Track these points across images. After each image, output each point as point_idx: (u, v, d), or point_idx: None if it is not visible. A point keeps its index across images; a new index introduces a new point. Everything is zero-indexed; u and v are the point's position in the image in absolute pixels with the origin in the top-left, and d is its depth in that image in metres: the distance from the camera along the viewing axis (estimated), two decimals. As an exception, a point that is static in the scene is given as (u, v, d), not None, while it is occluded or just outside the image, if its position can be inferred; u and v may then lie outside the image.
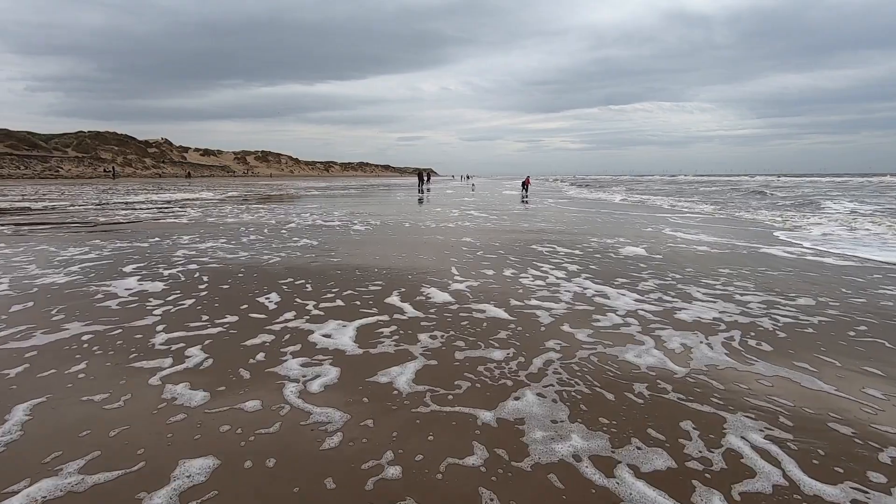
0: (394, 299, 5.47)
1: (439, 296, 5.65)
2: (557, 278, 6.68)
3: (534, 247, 9.42)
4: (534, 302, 5.44)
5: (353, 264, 7.44)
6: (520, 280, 6.55)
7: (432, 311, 5.08)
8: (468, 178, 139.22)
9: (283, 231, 11.59)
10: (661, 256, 8.41)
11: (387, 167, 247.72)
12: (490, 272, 7.02)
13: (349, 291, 5.81)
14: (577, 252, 8.85)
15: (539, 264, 7.61)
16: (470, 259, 7.99)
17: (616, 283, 6.44)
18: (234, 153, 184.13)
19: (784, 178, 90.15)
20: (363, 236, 10.66)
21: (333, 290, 5.84)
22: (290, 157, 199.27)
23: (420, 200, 26.63)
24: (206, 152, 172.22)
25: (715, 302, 5.44)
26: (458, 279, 6.55)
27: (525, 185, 40.30)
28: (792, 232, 12.35)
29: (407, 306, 5.20)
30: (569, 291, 5.92)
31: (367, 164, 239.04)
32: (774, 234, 12.02)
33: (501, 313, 4.99)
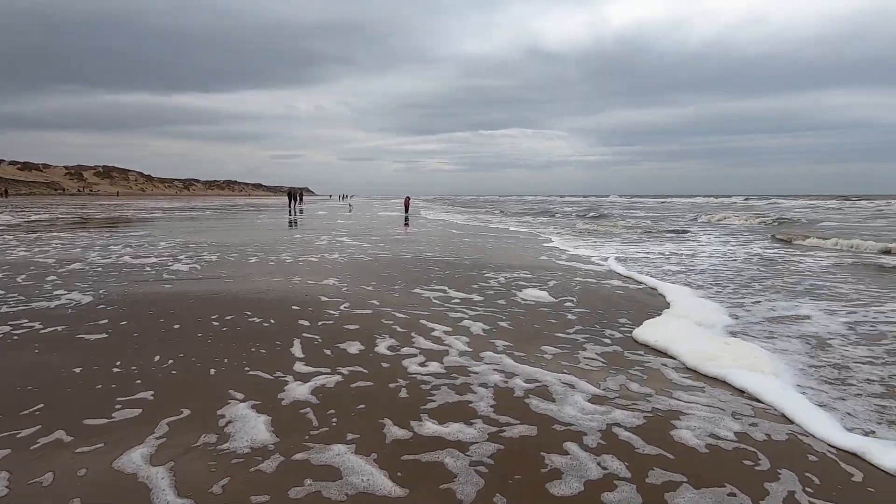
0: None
1: (249, 432, 2.95)
2: (460, 352, 4.40)
3: (420, 291, 7.11)
4: (431, 426, 3.03)
5: (103, 354, 4.38)
6: (403, 363, 4.13)
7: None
8: (346, 197, 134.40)
9: (54, 277, 7.80)
10: (574, 300, 6.64)
11: (258, 186, 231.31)
12: (355, 348, 4.50)
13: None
14: (475, 297, 6.73)
15: (430, 325, 5.28)
16: (328, 323, 5.38)
17: (546, 354, 4.35)
18: (67, 168, 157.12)
19: (624, 199, 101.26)
20: (174, 285, 7.41)
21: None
22: (141, 174, 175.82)
23: (290, 223, 23.07)
24: (27, 166, 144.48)
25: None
26: (303, 371, 3.93)
27: (406, 205, 38.47)
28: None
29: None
30: (486, 386, 3.65)
31: (236, 182, 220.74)
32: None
33: (382, 480, 2.49)
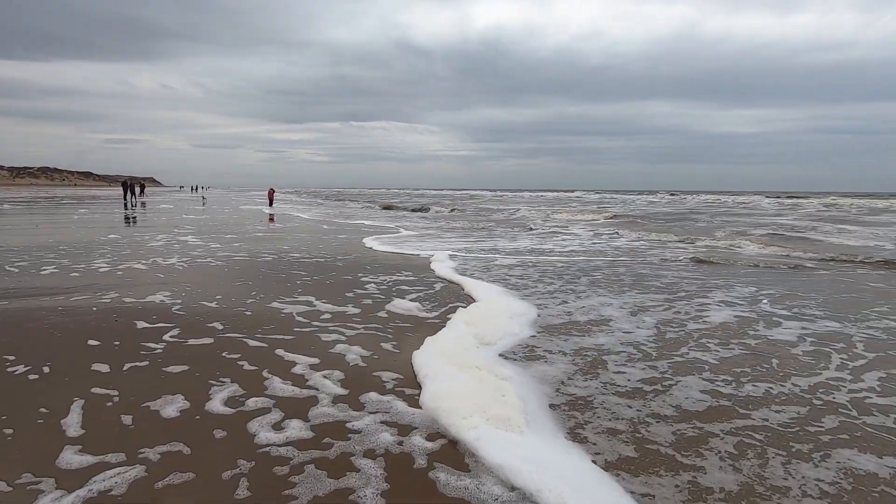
0: None
1: None
2: (333, 399, 3.23)
3: (279, 305, 5.71)
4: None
5: None
6: (249, 427, 2.84)
7: None
8: (202, 188, 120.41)
9: None
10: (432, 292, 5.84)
11: (88, 174, 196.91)
12: (175, 408, 3.06)
13: None
14: (350, 311, 5.55)
15: (291, 356, 3.99)
16: (137, 366, 3.78)
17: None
18: None
19: (489, 192, 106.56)
20: None
21: None
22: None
23: (123, 219, 19.08)
24: None
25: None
26: (73, 465, 2.44)
27: (270, 198, 35.12)
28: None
29: None
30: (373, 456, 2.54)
31: (56, 169, 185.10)
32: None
33: None
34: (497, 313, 5.48)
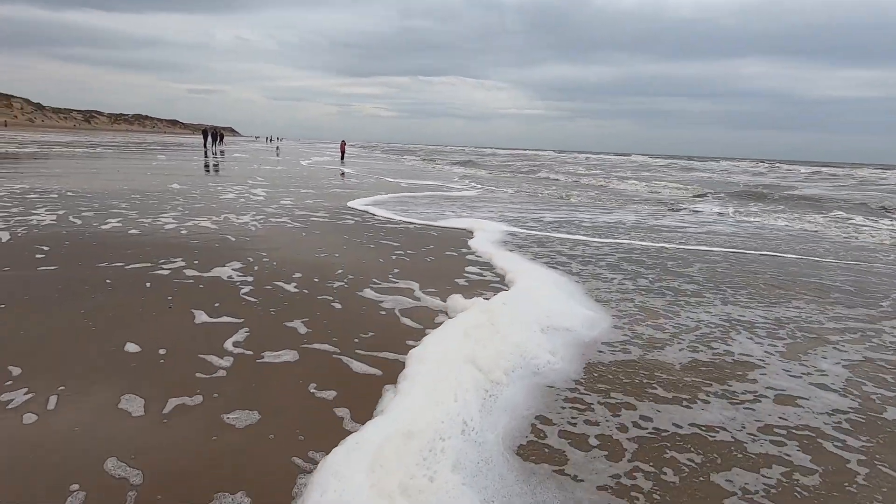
0: None
1: None
2: None
3: (374, 296, 4.28)
4: None
5: None
6: None
7: None
8: (277, 139, 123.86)
9: None
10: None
11: (174, 123, 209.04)
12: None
13: None
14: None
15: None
16: (180, 421, 2.46)
17: None
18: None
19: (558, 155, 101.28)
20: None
21: None
22: (28, 102, 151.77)
23: (199, 167, 18.76)
24: None
25: None
26: None
27: (342, 150, 34.36)
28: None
29: None
30: None
31: (148, 117, 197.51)
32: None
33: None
34: (526, 317, 3.74)
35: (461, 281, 4.96)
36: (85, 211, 7.48)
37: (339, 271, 5.01)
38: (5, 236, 5.57)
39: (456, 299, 4.20)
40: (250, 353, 3.02)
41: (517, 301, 4.21)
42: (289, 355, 3.01)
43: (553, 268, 5.70)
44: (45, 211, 7.27)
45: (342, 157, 33.38)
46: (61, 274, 4.38)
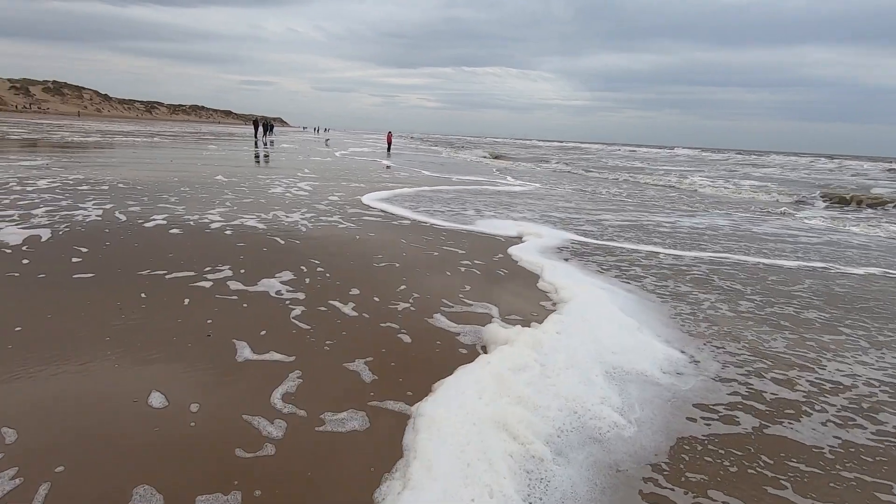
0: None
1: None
2: None
3: (449, 325, 3.52)
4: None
5: None
6: None
7: None
8: (324, 130, 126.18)
9: None
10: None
11: (228, 113, 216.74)
12: None
13: None
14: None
15: None
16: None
17: None
18: (11, 81, 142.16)
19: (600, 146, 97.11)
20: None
21: None
22: (97, 93, 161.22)
23: (249, 158, 18.67)
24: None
25: None
26: None
27: (388, 141, 33.97)
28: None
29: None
30: None
31: (203, 107, 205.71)
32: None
33: None
34: (584, 355, 2.94)
35: (511, 298, 4.13)
36: (132, 205, 7.12)
37: (402, 287, 4.29)
38: (46, 234, 5.19)
39: (493, 330, 3.39)
40: (304, 413, 2.32)
41: (573, 331, 3.39)
42: (355, 420, 2.30)
43: (621, 284, 4.78)
44: (93, 205, 6.95)
45: (388, 149, 32.97)
46: (96, 284, 3.87)
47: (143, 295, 3.67)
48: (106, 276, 4.04)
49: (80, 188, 8.39)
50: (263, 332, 3.15)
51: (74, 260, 4.40)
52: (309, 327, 3.29)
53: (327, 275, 4.49)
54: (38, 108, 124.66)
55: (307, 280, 4.29)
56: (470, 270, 4.98)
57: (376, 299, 3.94)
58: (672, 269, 5.54)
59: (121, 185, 8.98)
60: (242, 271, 4.40)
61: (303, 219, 7.04)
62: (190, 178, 10.90)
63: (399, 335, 3.28)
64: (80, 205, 6.91)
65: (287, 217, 7.07)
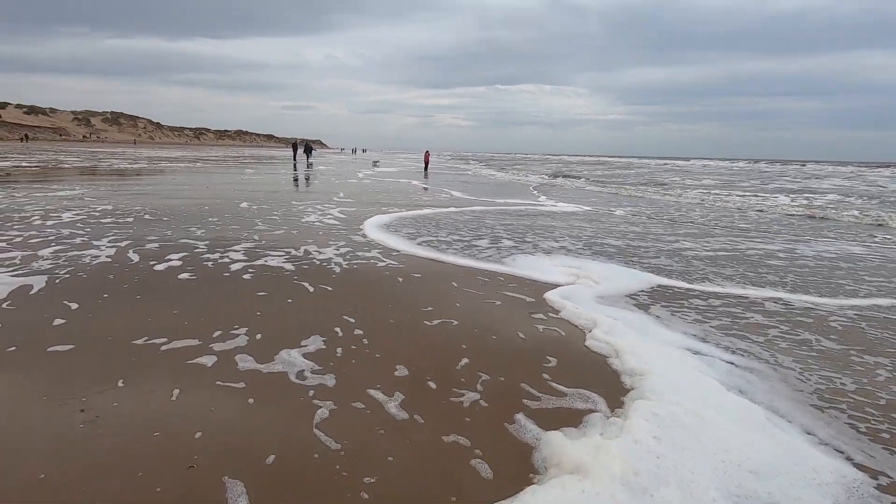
0: None
1: None
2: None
3: (531, 442, 2.39)
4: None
5: None
6: None
7: None
8: (362, 151, 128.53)
9: None
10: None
11: (270, 137, 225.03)
12: None
13: None
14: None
15: None
16: None
17: None
18: (74, 113, 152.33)
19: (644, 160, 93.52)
20: None
21: None
22: (150, 122, 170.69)
23: (286, 181, 18.24)
24: (33, 110, 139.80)
25: None
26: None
27: (426, 161, 33.33)
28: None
29: None
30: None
31: (247, 132, 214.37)
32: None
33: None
34: (700, 482, 1.96)
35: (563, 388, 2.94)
36: (151, 240, 6.39)
37: (465, 361, 3.20)
38: (40, 284, 4.41)
39: (554, 441, 2.25)
40: None
41: (678, 434, 2.23)
42: None
43: (728, 345, 3.52)
44: (108, 242, 6.25)
45: (426, 168, 32.33)
46: (67, 364, 2.97)
47: (120, 383, 2.72)
48: (86, 350, 3.15)
49: (103, 221, 7.80)
50: (271, 460, 2.12)
51: (57, 323, 3.55)
52: (338, 447, 2.24)
53: (365, 340, 3.46)
54: (98, 137, 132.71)
55: (339, 351, 3.27)
56: (548, 330, 3.85)
57: (431, 385, 2.87)
58: (806, 321, 4.22)
59: (147, 217, 8.37)
60: (259, 336, 3.44)
61: (337, 254, 6.10)
62: (221, 205, 10.27)
63: (474, 462, 2.18)
64: (96, 242, 6.22)
65: (319, 253, 6.15)
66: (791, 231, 10.12)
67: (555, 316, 4.19)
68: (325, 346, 3.33)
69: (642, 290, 5.07)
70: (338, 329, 3.65)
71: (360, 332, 3.63)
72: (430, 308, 4.24)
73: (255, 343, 3.34)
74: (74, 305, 3.90)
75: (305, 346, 3.33)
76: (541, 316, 4.18)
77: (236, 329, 3.55)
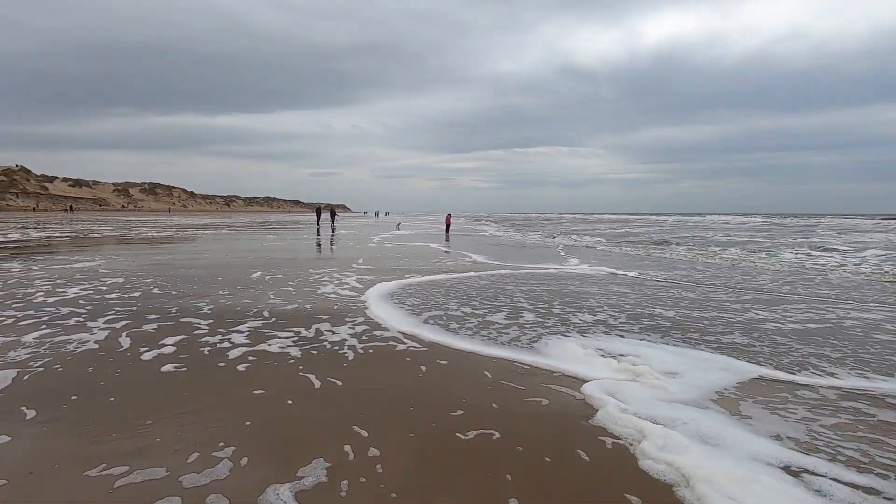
0: None
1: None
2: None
3: None
4: None
5: None
6: None
7: None
8: (385, 214, 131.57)
9: None
10: None
11: (296, 202, 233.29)
12: None
13: None
14: None
15: None
16: None
17: None
18: (115, 184, 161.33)
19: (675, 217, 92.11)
20: None
21: None
22: (184, 191, 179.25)
23: (305, 246, 17.98)
24: (78, 183, 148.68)
25: None
26: None
27: (447, 224, 33.16)
28: None
29: None
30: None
31: (275, 199, 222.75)
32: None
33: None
34: None
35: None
36: (150, 321, 5.80)
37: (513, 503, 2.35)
38: (4, 381, 3.78)
39: None
40: None
41: None
42: None
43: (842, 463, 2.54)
44: (104, 323, 5.69)
45: (447, 231, 32.08)
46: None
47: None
48: (19, 488, 2.42)
49: (108, 296, 7.32)
50: None
51: (2, 442, 2.86)
52: None
53: (379, 468, 2.65)
54: (135, 206, 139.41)
55: (344, 489, 2.46)
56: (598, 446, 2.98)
57: (471, 552, 2.02)
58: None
59: (155, 290, 7.89)
60: (244, 462, 2.66)
61: (351, 335, 5.38)
62: (235, 276, 9.79)
63: None
64: (91, 323, 5.66)
65: (332, 333, 5.45)
66: (884, 294, 8.95)
67: (615, 429, 3.31)
68: (326, 479, 2.53)
69: (715, 382, 4.13)
70: (347, 448, 2.85)
71: (376, 450, 2.83)
72: (460, 412, 3.42)
73: (237, 473, 2.56)
74: (31, 414, 3.23)
75: (301, 478, 2.53)
76: (598, 427, 3.31)
77: (218, 450, 2.79)
